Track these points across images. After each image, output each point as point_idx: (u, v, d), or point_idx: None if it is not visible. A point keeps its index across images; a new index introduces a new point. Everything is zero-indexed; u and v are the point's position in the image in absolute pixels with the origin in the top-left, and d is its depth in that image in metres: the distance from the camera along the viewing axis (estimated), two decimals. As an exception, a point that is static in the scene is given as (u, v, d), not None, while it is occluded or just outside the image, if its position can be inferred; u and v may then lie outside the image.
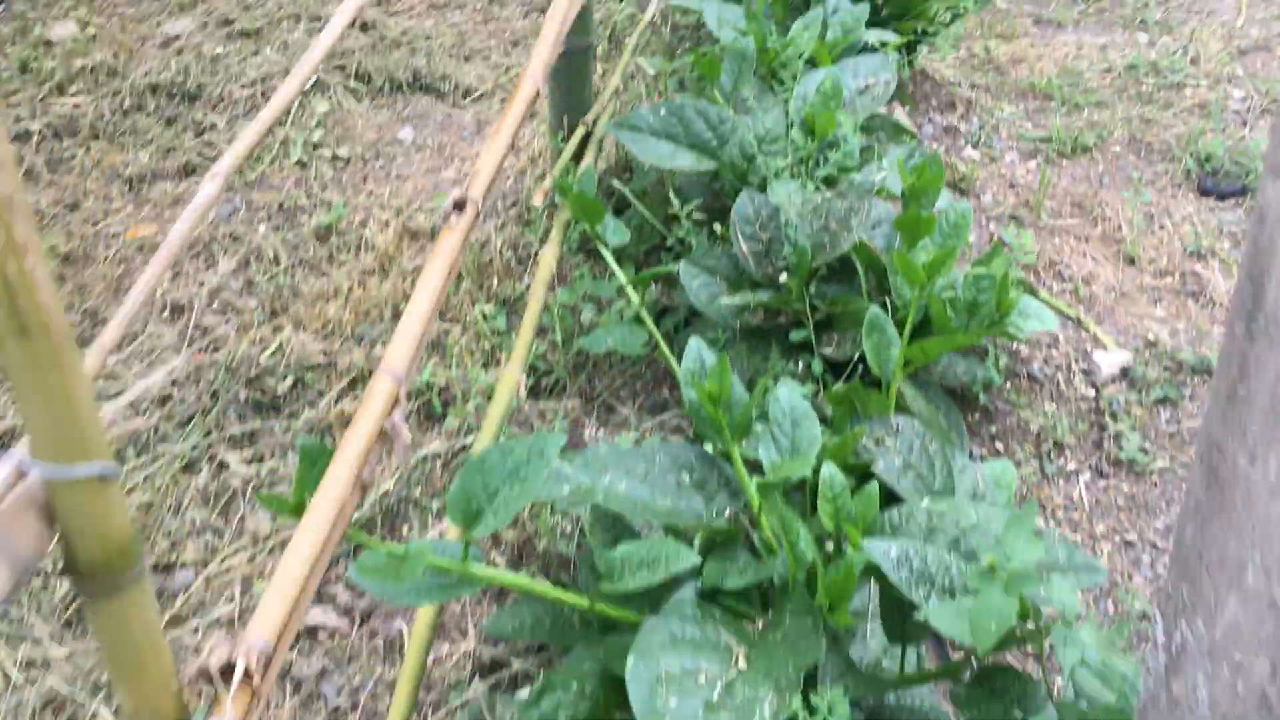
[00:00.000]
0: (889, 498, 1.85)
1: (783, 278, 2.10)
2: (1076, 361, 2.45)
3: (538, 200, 2.20)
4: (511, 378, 1.81)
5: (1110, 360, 2.42)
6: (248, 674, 0.91)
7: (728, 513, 1.59)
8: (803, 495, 1.76)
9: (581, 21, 2.42)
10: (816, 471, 1.61)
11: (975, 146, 3.21)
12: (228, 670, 0.91)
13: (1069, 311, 2.57)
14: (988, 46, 3.69)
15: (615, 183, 2.59)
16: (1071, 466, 2.22)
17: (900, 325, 2.08)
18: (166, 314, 2.57)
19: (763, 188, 2.32)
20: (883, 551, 1.38)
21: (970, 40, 3.73)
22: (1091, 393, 2.37)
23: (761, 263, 2.17)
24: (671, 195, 2.33)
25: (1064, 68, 3.58)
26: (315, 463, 1.28)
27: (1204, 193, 2.98)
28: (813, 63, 2.71)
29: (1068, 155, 3.17)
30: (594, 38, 2.59)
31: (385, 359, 1.19)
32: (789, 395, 1.62)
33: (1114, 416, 2.31)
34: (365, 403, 1.16)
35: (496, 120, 1.60)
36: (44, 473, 0.73)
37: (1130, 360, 2.43)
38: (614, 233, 2.28)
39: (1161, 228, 2.86)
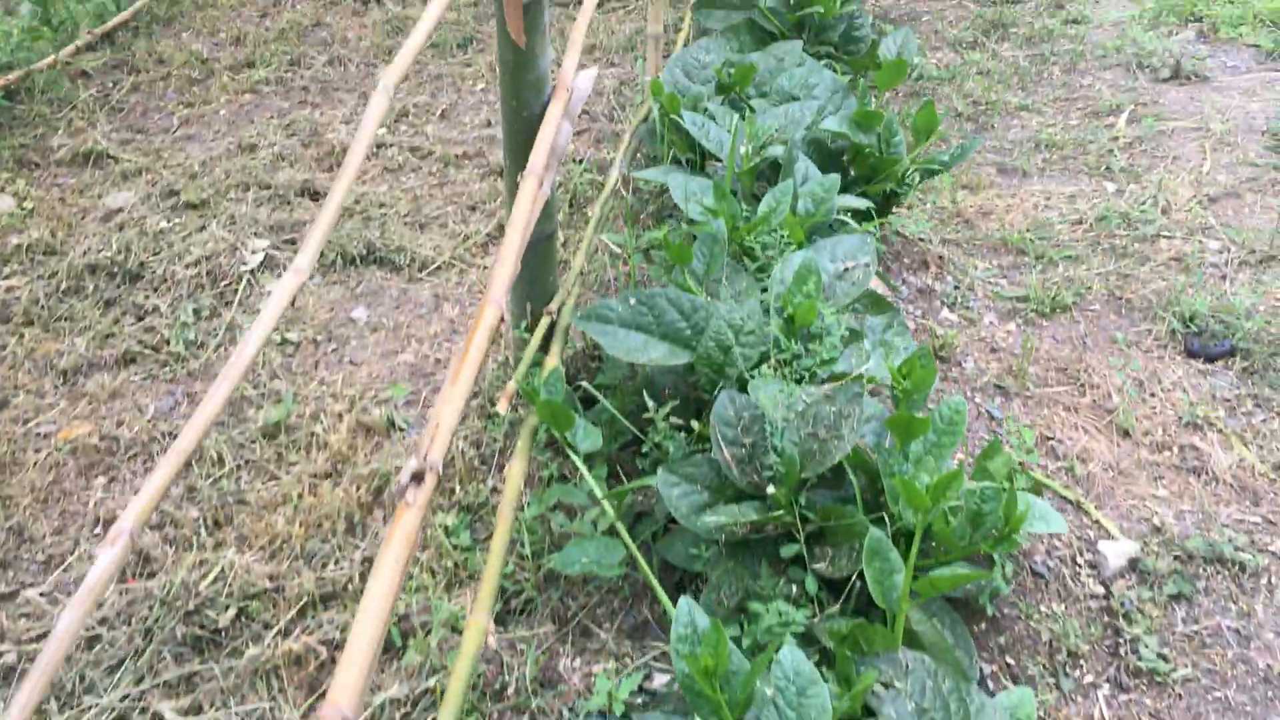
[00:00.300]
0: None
1: (769, 489, 1.94)
2: (1081, 553, 2.29)
3: (502, 408, 2.04)
4: (479, 627, 1.62)
5: (1117, 551, 2.27)
6: None
7: (729, 799, 1.40)
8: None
9: (544, 211, 2.30)
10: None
11: (952, 308, 3.11)
12: None
13: (1068, 495, 2.43)
14: (955, 199, 3.63)
15: (583, 374, 2.44)
16: (1089, 679, 2.05)
17: (899, 539, 1.93)
18: (99, 529, 2.36)
19: (742, 384, 2.17)
20: None
21: (937, 192, 3.66)
22: (1101, 590, 2.21)
23: (745, 469, 2.01)
24: (645, 396, 2.18)
25: (1034, 219, 3.51)
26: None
27: (1191, 354, 2.88)
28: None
29: (1047, 315, 3.07)
30: (555, 224, 2.46)
31: (330, 696, 1.00)
32: (793, 660, 1.45)
33: (1128, 618, 2.14)
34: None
35: (453, 362, 1.45)
36: None
37: (1138, 551, 2.28)
38: (585, 437, 2.12)
39: (1153, 395, 2.74)
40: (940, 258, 3.33)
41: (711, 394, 2.22)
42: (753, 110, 3.16)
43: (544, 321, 2.38)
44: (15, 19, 4.86)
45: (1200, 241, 3.33)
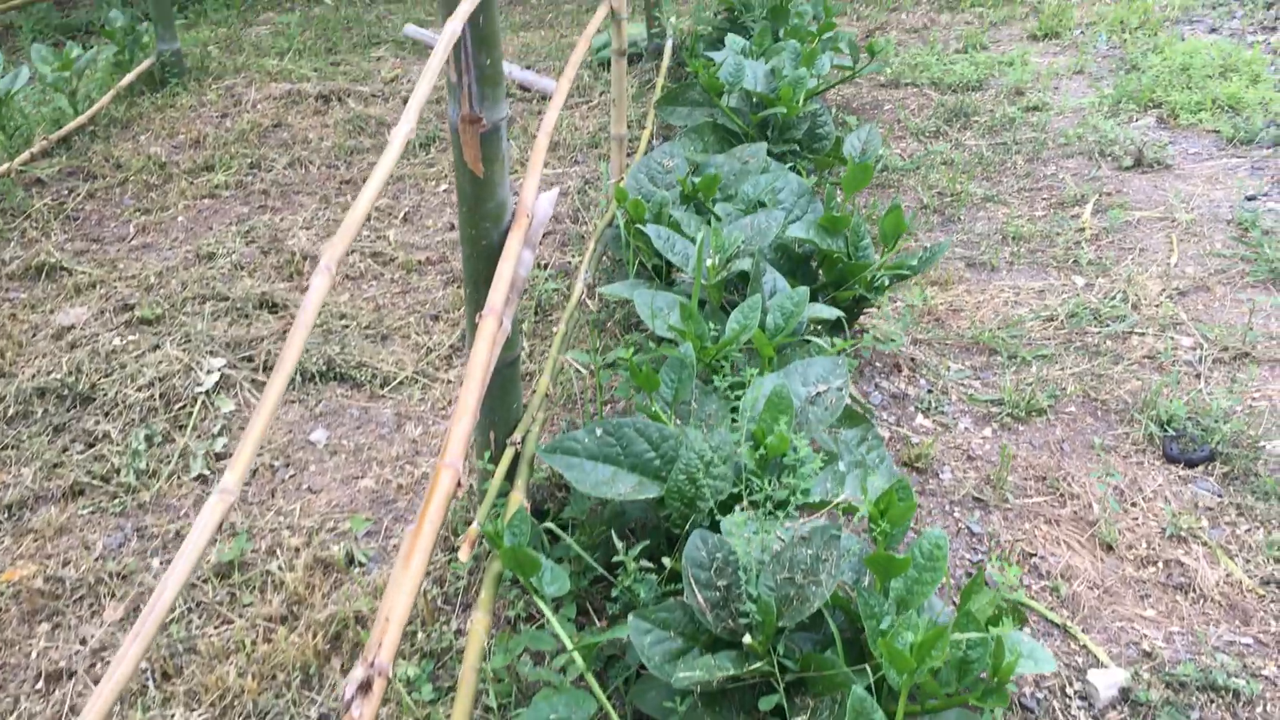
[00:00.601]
0: None
1: (746, 638, 1.85)
2: (1071, 683, 2.21)
3: (464, 555, 1.94)
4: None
5: (1108, 681, 2.19)
6: None
7: None
8: None
9: (507, 339, 2.22)
10: None
11: (926, 414, 3.05)
12: None
13: (1053, 618, 2.35)
14: (925, 296, 3.59)
15: (551, 503, 2.35)
16: (1085, 824, 1.95)
17: (883, 688, 1.84)
18: (41, 684, 2.24)
19: (713, 522, 2.09)
20: None
21: (906, 289, 3.63)
22: (1092, 723, 2.13)
23: (720, 614, 1.92)
24: (614, 537, 2.09)
25: (1005, 317, 3.48)
26: None
27: (1170, 459, 2.82)
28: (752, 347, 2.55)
29: (1022, 419, 3.01)
30: (518, 350, 2.39)
31: None
32: None
33: (1122, 755, 2.06)
34: None
35: (405, 539, 1.36)
36: None
37: (1129, 679, 2.19)
38: (552, 580, 2.02)
39: (1134, 505, 2.68)
40: (912, 360, 3.28)
41: (682, 528, 2.14)
42: (718, 218, 3.12)
43: (509, 453, 2.29)
44: (-31, 126, 4.80)
45: (1172, 338, 3.30)
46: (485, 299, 2.04)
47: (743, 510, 1.99)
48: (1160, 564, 2.51)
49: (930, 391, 3.14)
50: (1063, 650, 2.29)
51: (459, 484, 1.49)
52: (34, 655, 2.31)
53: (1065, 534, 2.61)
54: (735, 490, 2.14)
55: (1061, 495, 2.73)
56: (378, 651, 1.19)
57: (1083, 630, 2.33)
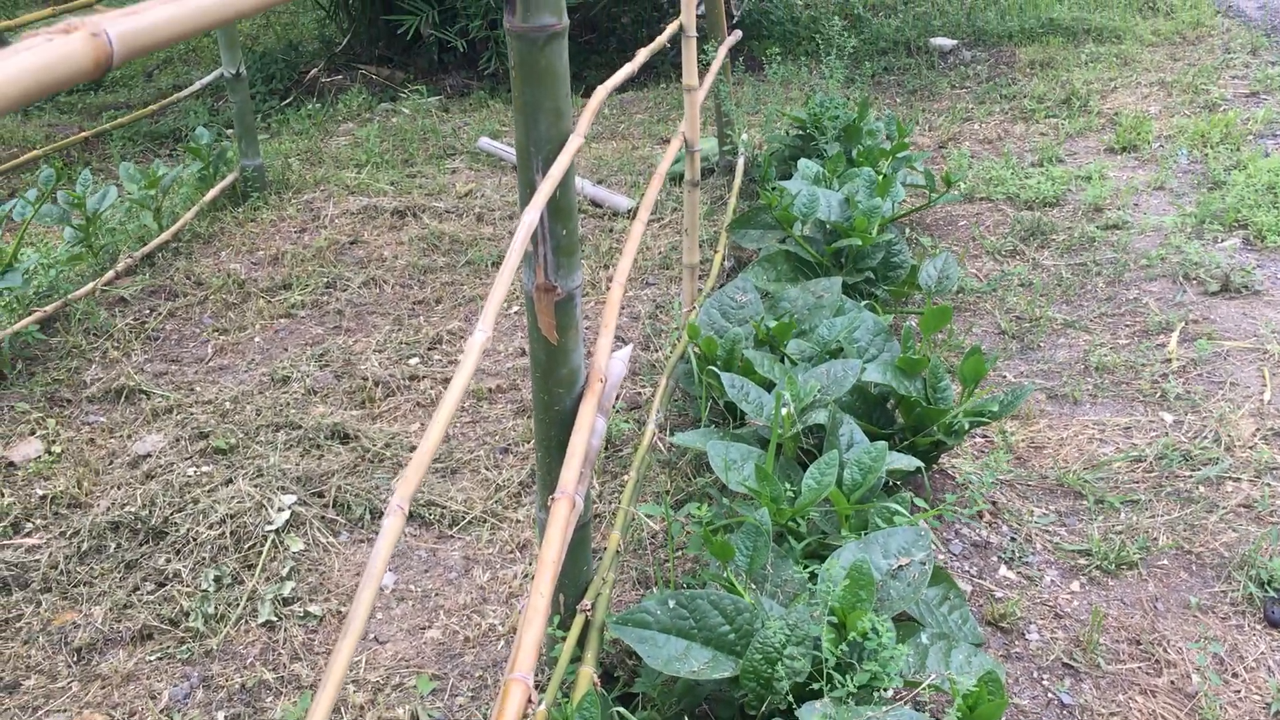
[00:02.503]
0: None
1: (827, 845, 1.76)
2: None
3: (532, 745, 1.89)
4: None
5: None
6: None
7: None
8: None
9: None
10: None
11: (1010, 565, 2.94)
12: None
13: (1152, 806, 2.22)
14: (1004, 431, 3.49)
15: (622, 671, 2.28)
16: None
17: None
18: None
19: (789, 706, 2.01)
20: None
21: (985, 425, 3.53)
22: None
23: (799, 814, 1.83)
24: (687, 723, 2.02)
25: (1089, 456, 3.36)
26: None
27: (1273, 624, 2.68)
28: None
29: (1112, 573, 2.89)
30: (590, 515, 2.34)
31: None
32: None
33: None
34: None
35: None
36: None
37: None
38: (622, 767, 1.95)
39: (1236, 676, 2.54)
40: (993, 503, 3.17)
41: (759, 710, 2.06)
42: (793, 361, 3.07)
43: (579, 620, 2.23)
44: (58, 244, 4.94)
45: (1269, 485, 3.16)
46: (558, 469, 2.00)
47: (823, 706, 1.90)
48: (1267, 747, 2.36)
49: (1014, 540, 3.03)
50: (1164, 845, 2.15)
51: (530, 700, 1.43)
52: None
53: (1163, 707, 2.47)
54: (813, 674, 2.05)
55: (1157, 662, 2.59)
56: None
57: (1185, 822, 2.19)
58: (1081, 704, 2.48)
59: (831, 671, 1.98)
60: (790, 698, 2.02)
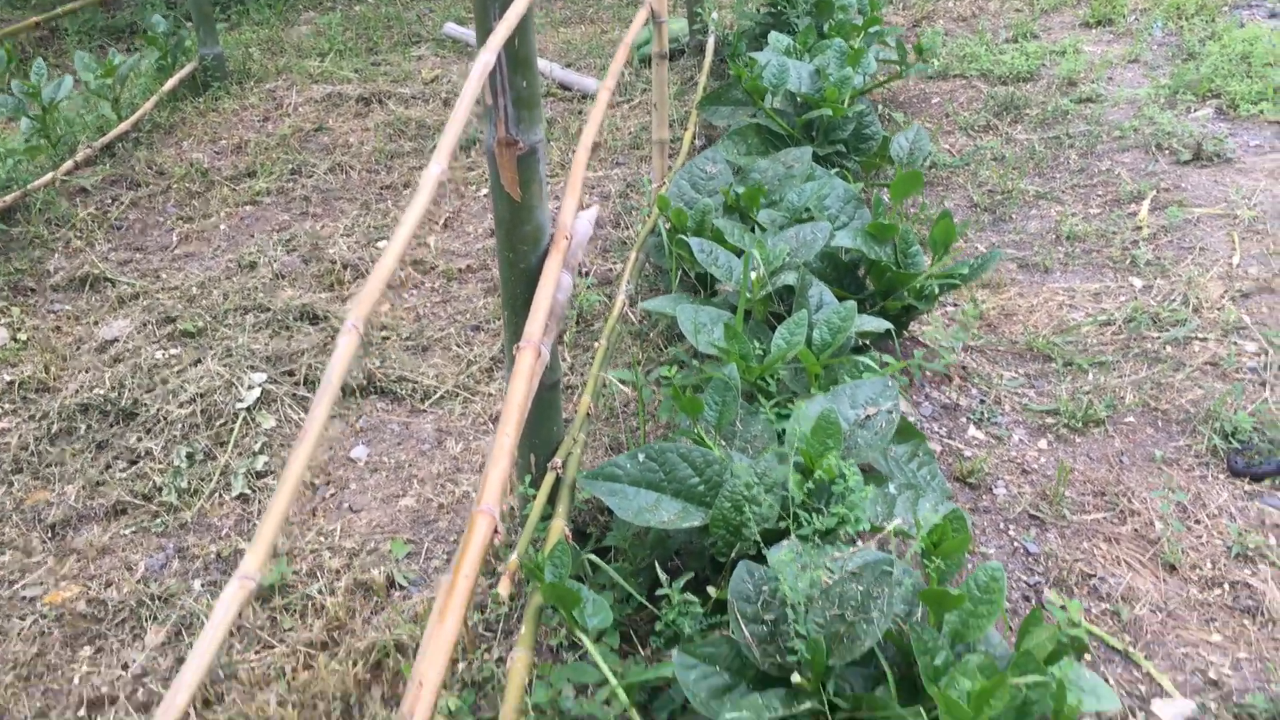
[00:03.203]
0: None
1: (794, 677, 1.79)
2: (1134, 713, 2.13)
3: (504, 589, 1.90)
4: None
5: (1173, 712, 2.11)
6: None
7: None
8: None
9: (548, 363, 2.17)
10: None
11: (979, 425, 2.96)
12: None
13: (1114, 643, 2.27)
14: (975, 299, 3.49)
15: (593, 527, 2.30)
16: None
17: (938, 731, 1.77)
18: (83, 712, 2.23)
19: (759, 549, 2.03)
20: None
21: (956, 293, 3.53)
22: (1157, 759, 2.05)
23: (767, 649, 1.86)
24: (658, 569, 2.04)
25: (1059, 321, 3.38)
26: None
27: (1235, 473, 2.72)
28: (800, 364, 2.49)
29: (1079, 430, 2.92)
30: (559, 375, 2.34)
31: None
32: None
33: (1189, 793, 1.97)
34: None
35: (439, 596, 1.31)
36: None
37: (1195, 710, 2.11)
38: (594, 612, 1.97)
39: (1198, 522, 2.58)
40: (963, 368, 3.19)
41: (728, 556, 2.08)
42: (762, 228, 3.04)
43: (549, 478, 2.24)
44: (14, 135, 4.83)
45: (1235, 344, 3.18)
46: (524, 324, 1.99)
47: (790, 544, 1.93)
48: (1226, 585, 2.41)
49: (983, 402, 3.05)
50: (1125, 678, 2.21)
51: (496, 530, 1.44)
52: (76, 680, 2.30)
53: (1126, 553, 2.52)
54: (781, 518, 2.07)
55: (1121, 512, 2.64)
56: (412, 711, 1.14)
57: (1146, 656, 2.25)
58: (1046, 551, 2.52)
59: (798, 512, 2.00)
60: (759, 543, 2.04)
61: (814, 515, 1.98)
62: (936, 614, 1.89)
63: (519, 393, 1.69)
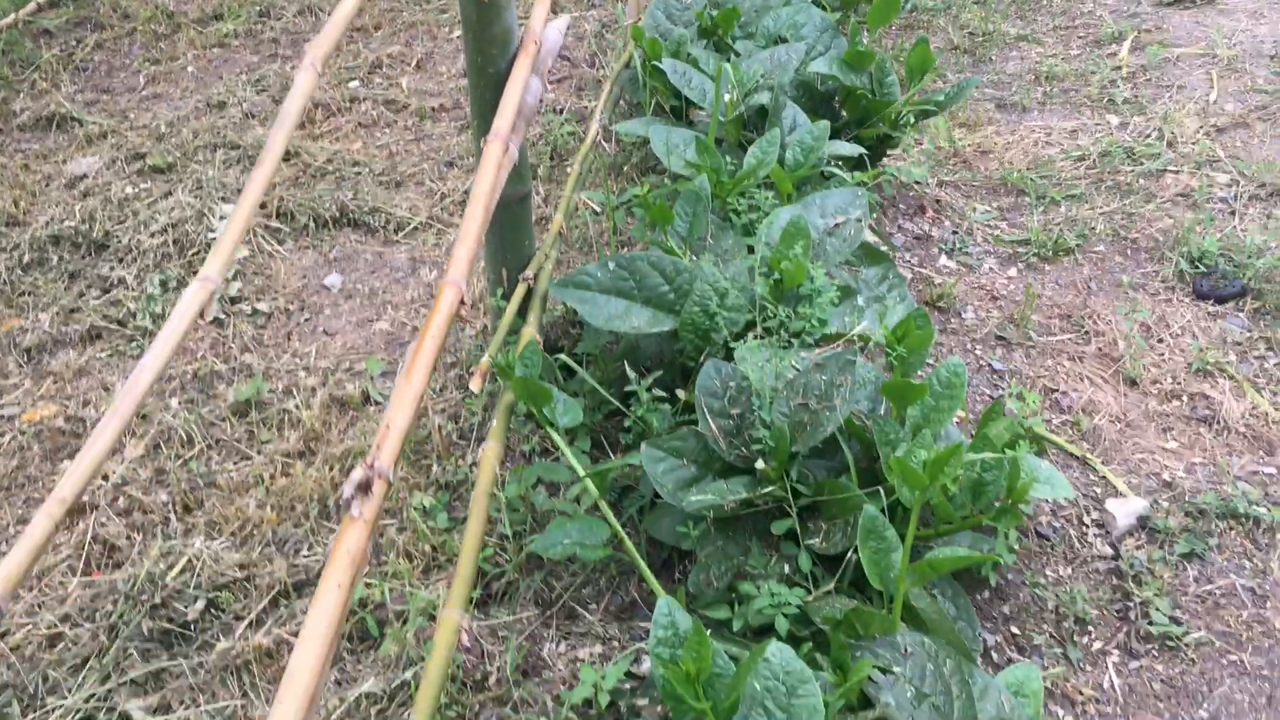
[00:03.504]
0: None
1: (759, 464, 1.84)
2: (1089, 512, 2.20)
3: (476, 385, 1.93)
4: (452, 622, 1.53)
5: (1126, 509, 2.18)
6: None
7: (717, 809, 1.31)
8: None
9: (516, 173, 2.17)
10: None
11: (950, 255, 2.98)
12: None
13: (1073, 450, 2.33)
14: (952, 138, 3.48)
15: (565, 341, 2.33)
16: (1098, 646, 1.96)
17: (896, 512, 1.83)
18: (65, 517, 2.26)
19: (728, 350, 2.06)
20: None
21: (933, 131, 3.52)
22: (1109, 551, 2.12)
23: (733, 442, 1.91)
24: (628, 368, 2.07)
25: (1034, 157, 3.37)
26: None
27: (1200, 296, 2.76)
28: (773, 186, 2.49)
29: (1049, 259, 2.95)
30: (529, 185, 2.33)
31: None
32: (782, 657, 1.35)
33: (1137, 580, 2.05)
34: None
35: (408, 355, 1.33)
36: None
37: (1147, 508, 2.18)
38: (565, 411, 2.01)
39: (1160, 341, 2.63)
40: (937, 201, 3.20)
41: (696, 361, 2.11)
42: (737, 54, 3.01)
43: (521, 288, 2.26)
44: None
45: (1208, 175, 3.19)
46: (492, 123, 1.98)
47: (757, 337, 1.96)
48: (1185, 398, 2.47)
49: (955, 233, 3.07)
50: (1082, 482, 2.27)
51: (463, 302, 1.46)
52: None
53: (1089, 370, 2.56)
54: (750, 324, 2.10)
55: (1086, 333, 2.68)
56: (378, 454, 1.17)
57: (1103, 462, 2.31)
58: (1012, 369, 2.57)
59: (766, 307, 2.03)
60: (728, 346, 2.07)
61: (781, 311, 2.00)
62: (899, 407, 1.93)
63: (486, 181, 1.70)
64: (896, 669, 1.58)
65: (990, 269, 2.93)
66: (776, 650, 1.36)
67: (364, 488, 1.13)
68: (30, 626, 1.98)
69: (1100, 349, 2.62)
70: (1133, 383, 2.52)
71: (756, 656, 1.33)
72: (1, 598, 0.98)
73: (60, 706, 1.86)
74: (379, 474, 1.15)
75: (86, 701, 1.86)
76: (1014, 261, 2.95)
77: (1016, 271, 2.92)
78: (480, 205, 1.63)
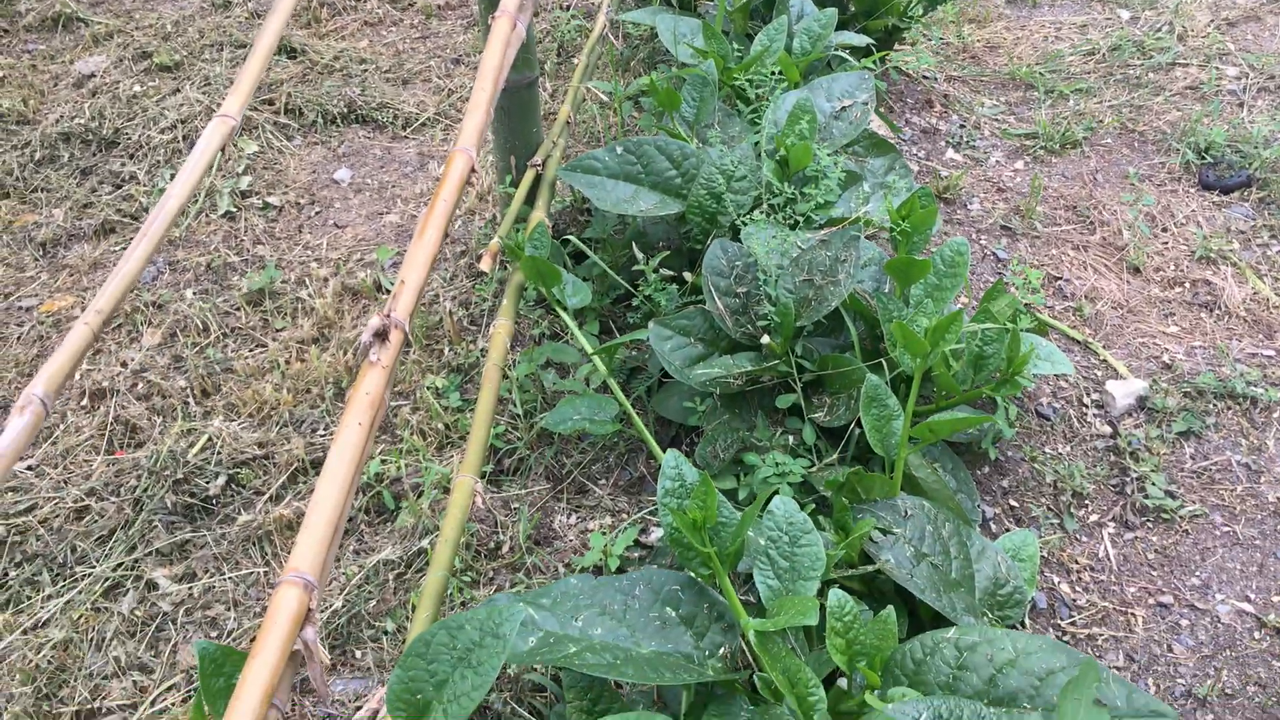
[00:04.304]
0: (902, 594, 1.64)
1: (764, 339, 1.88)
2: (1088, 394, 2.24)
3: (486, 265, 1.96)
4: (466, 486, 1.58)
5: (1125, 390, 2.21)
6: None
7: (721, 650, 1.37)
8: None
9: (523, 56, 2.18)
10: (823, 591, 1.40)
11: (957, 148, 2.99)
12: None
13: (1075, 335, 2.36)
14: (961, 33, 3.46)
15: (571, 229, 2.35)
16: (1094, 518, 2.01)
17: (899, 385, 1.87)
18: (86, 401, 2.32)
19: (735, 233, 2.09)
20: (909, 718, 1.16)
21: (942, 27, 3.49)
22: (1108, 430, 2.16)
23: (739, 320, 1.94)
24: (635, 249, 2.10)
25: (1044, 52, 3.36)
26: (220, 669, 1.06)
27: (1206, 186, 2.77)
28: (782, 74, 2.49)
29: (1056, 151, 2.95)
30: (536, 71, 2.34)
31: (292, 559, 0.96)
32: (785, 509, 1.40)
33: (1135, 457, 2.10)
34: (269, 620, 0.94)
35: (421, 216, 1.37)
36: None
37: (1146, 389, 2.22)
38: (574, 293, 2.04)
39: (1165, 230, 2.65)
40: (945, 96, 3.19)
41: (704, 244, 2.14)
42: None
43: (529, 175, 2.28)
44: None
45: (1217, 68, 3.18)
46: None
47: (763, 216, 1.98)
48: (1187, 284, 2.49)
49: (963, 127, 3.07)
50: (1082, 365, 2.31)
51: (473, 169, 1.48)
52: (79, 377, 2.39)
53: (1093, 259, 2.59)
54: (756, 205, 2.12)
55: (1091, 223, 2.69)
56: (394, 306, 1.21)
57: (1104, 346, 2.34)
58: (1016, 257, 2.59)
59: (773, 188, 2.05)
60: (735, 228, 2.10)
61: (787, 187, 2.02)
62: (903, 285, 1.96)
63: (495, 56, 1.71)
64: (896, 530, 1.63)
65: (997, 162, 2.94)
66: (780, 503, 1.41)
67: (381, 335, 1.17)
68: (58, 501, 2.04)
69: (1105, 238, 2.64)
70: (1136, 270, 2.54)
71: (759, 506, 1.38)
72: (45, 396, 1.02)
73: (89, 575, 1.92)
74: (395, 324, 1.19)
75: (114, 570, 1.93)
76: (1021, 154, 2.96)
77: (1023, 164, 2.93)
78: (489, 79, 1.64)
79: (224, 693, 1.06)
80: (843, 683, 1.38)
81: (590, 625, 1.35)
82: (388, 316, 1.19)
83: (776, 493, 1.76)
